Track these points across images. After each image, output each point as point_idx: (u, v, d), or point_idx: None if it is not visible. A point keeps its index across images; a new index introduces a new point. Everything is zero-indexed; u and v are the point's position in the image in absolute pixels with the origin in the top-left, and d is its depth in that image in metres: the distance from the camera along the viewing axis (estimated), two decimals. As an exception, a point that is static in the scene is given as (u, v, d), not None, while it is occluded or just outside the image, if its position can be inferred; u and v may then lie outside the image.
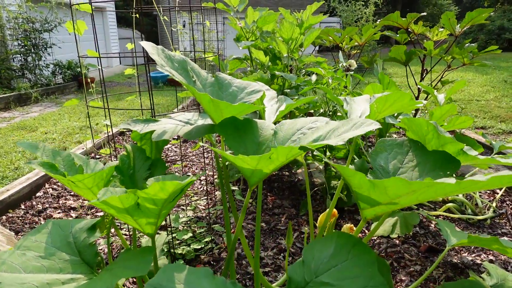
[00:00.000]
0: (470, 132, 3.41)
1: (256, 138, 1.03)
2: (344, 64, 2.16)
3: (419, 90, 3.32)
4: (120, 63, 13.63)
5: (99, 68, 1.49)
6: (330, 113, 1.93)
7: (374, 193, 0.71)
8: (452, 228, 1.34)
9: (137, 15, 1.69)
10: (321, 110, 1.94)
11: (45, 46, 8.14)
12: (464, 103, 5.72)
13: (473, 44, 3.19)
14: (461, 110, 4.88)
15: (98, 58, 1.49)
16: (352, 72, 2.23)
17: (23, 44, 7.74)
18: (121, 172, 1.09)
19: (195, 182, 2.49)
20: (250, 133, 1.03)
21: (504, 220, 1.94)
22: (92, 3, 1.49)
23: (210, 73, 1.24)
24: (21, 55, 7.77)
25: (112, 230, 1.88)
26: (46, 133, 4.67)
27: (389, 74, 10.13)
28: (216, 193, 2.22)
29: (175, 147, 3.40)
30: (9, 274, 0.78)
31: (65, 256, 0.86)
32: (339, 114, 1.93)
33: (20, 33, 7.76)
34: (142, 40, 1.61)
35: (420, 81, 3.36)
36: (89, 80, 2.13)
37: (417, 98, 3.40)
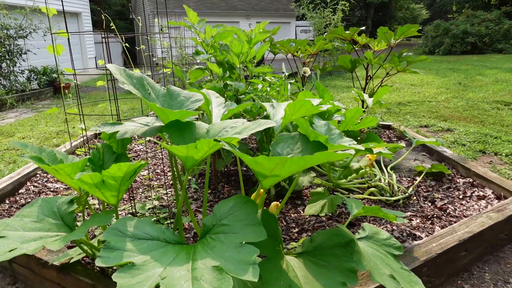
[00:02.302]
0: (409, 130, 3.88)
1: (193, 135, 1.40)
2: (286, 74, 2.57)
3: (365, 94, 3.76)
4: (96, 67, 13.72)
5: (75, 82, 1.82)
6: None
7: (258, 167, 1.08)
8: (358, 204, 1.74)
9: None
10: (265, 113, 2.33)
11: (20, 52, 8.27)
12: (417, 104, 6.27)
13: (410, 54, 3.67)
14: (400, 112, 5.39)
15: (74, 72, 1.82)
16: (293, 81, 2.63)
17: (-3, 51, 7.85)
18: (93, 163, 1.44)
19: (162, 177, 2.84)
20: (189, 131, 1.40)
21: (416, 201, 2.38)
22: (67, 8, 1.82)
23: (163, 86, 1.60)
24: (-4, 61, 7.88)
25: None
26: (23, 138, 4.88)
27: (352, 77, 10.69)
28: (178, 186, 2.57)
29: (148, 148, 3.72)
30: (13, 232, 1.12)
31: (52, 220, 1.20)
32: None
33: (-6, 40, 7.87)
34: (122, 43, 1.96)
35: (365, 86, 3.82)
36: (62, 86, 2.42)
37: (363, 102, 3.85)
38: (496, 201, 2.33)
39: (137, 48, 2.82)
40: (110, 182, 1.13)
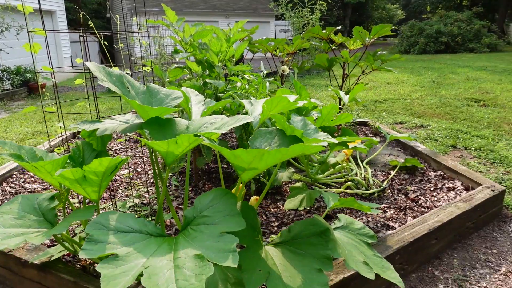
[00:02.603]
0: (384, 126, 4.01)
1: (173, 132, 1.43)
2: (265, 72, 2.62)
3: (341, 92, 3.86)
4: (73, 67, 13.41)
5: (52, 80, 1.81)
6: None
7: (237, 160, 1.13)
8: (335, 197, 1.81)
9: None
10: (244, 110, 2.37)
11: (-9, 51, 8.01)
12: (393, 101, 6.45)
13: (384, 52, 3.78)
14: (376, 109, 5.56)
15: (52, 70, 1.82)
16: (272, 79, 2.68)
17: (-33, 49, 7.58)
18: (73, 160, 1.44)
19: (142, 176, 2.84)
20: (169, 128, 1.43)
21: (390, 194, 2.48)
22: (42, 6, 1.81)
23: (142, 84, 1.62)
24: (-34, 61, 7.60)
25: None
26: (-3, 138, 4.75)
27: (332, 75, 10.86)
28: (159, 184, 2.58)
29: (128, 148, 3.70)
30: (-7, 229, 1.13)
31: (33, 217, 1.21)
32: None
33: (-36, 38, 7.59)
34: (101, 41, 1.95)
35: (342, 84, 3.92)
36: (40, 85, 2.40)
37: (340, 99, 3.94)
38: (465, 192, 2.45)
39: (115, 47, 2.81)
40: (91, 177, 1.15)
